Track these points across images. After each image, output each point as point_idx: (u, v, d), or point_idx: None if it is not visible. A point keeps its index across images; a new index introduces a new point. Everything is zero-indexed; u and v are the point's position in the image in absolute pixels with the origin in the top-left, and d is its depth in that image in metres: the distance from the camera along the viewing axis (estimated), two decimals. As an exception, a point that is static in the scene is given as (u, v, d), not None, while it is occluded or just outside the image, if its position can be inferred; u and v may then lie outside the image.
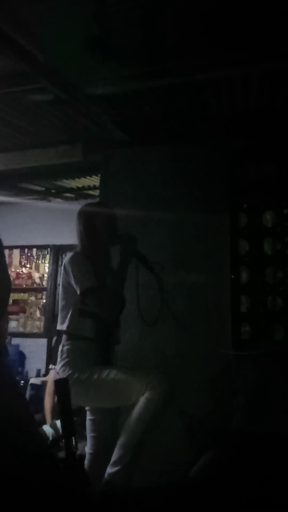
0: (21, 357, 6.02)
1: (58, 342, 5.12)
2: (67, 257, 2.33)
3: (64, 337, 2.31)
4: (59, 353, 2.30)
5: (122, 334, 2.48)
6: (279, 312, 3.01)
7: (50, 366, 4.81)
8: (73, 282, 2.23)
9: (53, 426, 4.21)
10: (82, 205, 2.52)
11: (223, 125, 3.30)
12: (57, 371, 2.30)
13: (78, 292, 2.21)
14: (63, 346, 2.28)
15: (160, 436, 2.60)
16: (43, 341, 5.96)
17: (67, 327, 2.25)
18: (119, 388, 2.15)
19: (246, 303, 3.07)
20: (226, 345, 2.96)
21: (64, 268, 2.30)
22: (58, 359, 2.28)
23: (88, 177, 4.43)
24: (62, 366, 2.22)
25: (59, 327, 2.33)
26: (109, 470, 2.10)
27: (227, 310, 3.01)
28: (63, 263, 2.33)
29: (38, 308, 6.44)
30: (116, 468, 2.09)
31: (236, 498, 0.83)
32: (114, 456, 2.11)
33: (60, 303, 2.33)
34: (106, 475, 2.09)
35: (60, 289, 2.36)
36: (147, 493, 0.86)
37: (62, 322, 2.28)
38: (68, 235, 3.00)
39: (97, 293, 2.21)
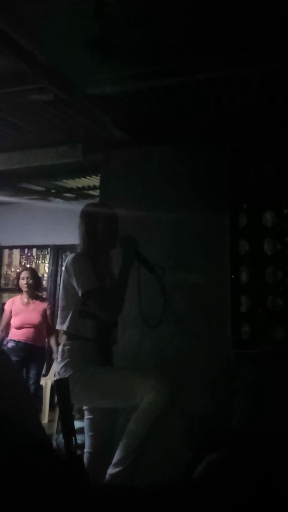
0: (21, 357, 6.00)
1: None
2: (68, 257, 2.32)
3: (64, 337, 2.31)
4: (59, 353, 2.30)
5: (122, 334, 2.48)
6: (279, 312, 3.00)
7: None
8: (74, 283, 2.22)
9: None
10: (83, 205, 2.50)
11: (223, 125, 3.29)
12: (57, 371, 2.29)
13: (80, 293, 2.20)
14: (64, 346, 2.27)
15: (160, 436, 2.60)
16: (43, 341, 5.95)
17: (68, 327, 2.25)
18: (123, 389, 2.14)
19: (246, 303, 3.06)
20: (226, 345, 2.96)
21: (66, 269, 2.28)
22: (59, 359, 2.28)
23: (88, 177, 4.43)
24: (63, 366, 2.22)
25: (58, 327, 2.32)
26: (111, 470, 2.09)
27: (227, 310, 3.01)
28: (65, 264, 2.31)
29: (38, 308, 6.43)
30: (117, 469, 2.08)
31: (236, 499, 0.83)
32: (116, 457, 2.11)
33: (61, 303, 2.33)
34: (107, 476, 2.09)
35: (60, 290, 2.35)
36: (147, 493, 0.86)
37: (62, 323, 2.28)
38: (68, 235, 3.00)
39: (99, 294, 2.21)
